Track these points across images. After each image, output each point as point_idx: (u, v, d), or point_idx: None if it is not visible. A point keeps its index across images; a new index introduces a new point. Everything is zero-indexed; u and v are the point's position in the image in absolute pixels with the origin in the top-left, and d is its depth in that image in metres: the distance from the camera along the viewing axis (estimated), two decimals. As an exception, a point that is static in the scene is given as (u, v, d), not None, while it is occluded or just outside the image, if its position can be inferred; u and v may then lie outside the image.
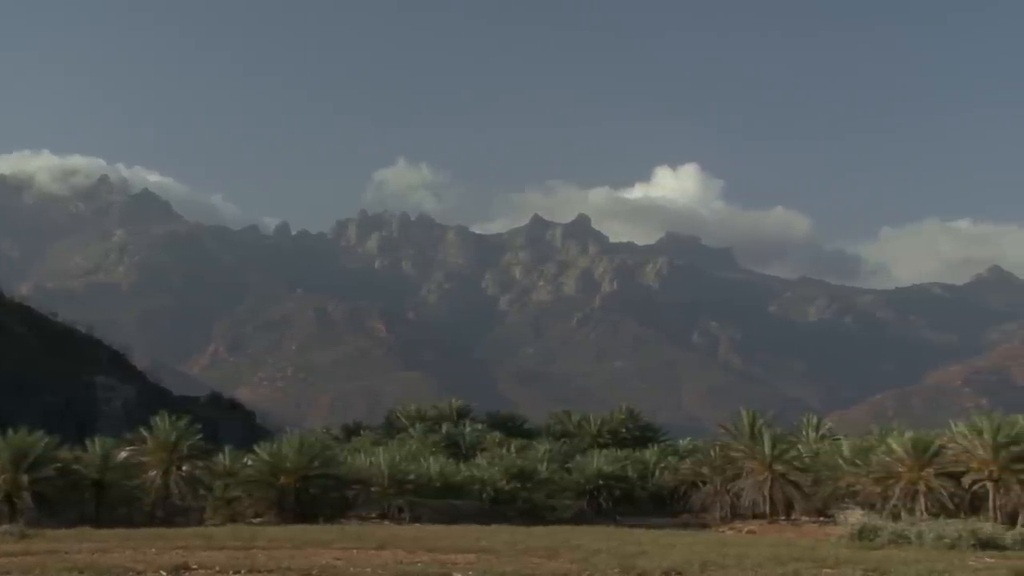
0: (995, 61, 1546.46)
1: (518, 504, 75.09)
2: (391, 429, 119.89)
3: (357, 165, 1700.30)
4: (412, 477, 72.47)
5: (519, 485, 76.75)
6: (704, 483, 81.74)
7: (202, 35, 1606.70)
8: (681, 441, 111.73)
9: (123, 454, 73.34)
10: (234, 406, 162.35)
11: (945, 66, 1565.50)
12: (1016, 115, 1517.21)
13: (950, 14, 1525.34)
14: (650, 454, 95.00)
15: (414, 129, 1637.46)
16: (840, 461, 74.64)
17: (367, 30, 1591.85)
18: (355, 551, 41.37)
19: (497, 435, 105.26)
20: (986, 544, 47.34)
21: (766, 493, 76.79)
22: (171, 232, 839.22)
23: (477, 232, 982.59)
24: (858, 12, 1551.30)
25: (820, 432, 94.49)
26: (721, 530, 66.92)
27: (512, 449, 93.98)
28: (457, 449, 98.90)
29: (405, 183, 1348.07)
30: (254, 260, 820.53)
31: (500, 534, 51.80)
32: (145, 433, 74.42)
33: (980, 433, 63.65)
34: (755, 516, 76.53)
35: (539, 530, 56.54)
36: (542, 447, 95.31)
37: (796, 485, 77.18)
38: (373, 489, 72.26)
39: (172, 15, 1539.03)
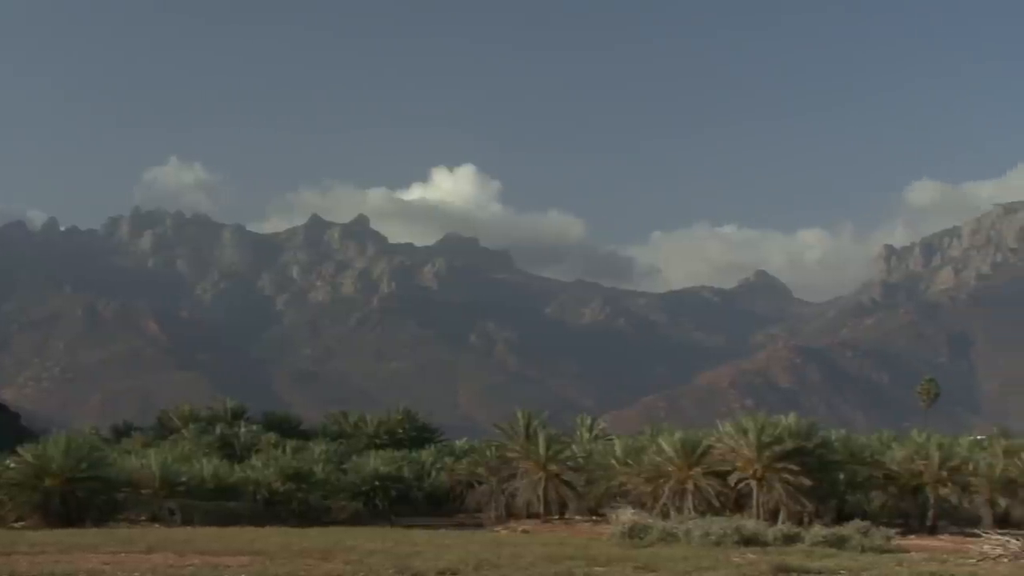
0: (761, 73, 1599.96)
1: (293, 505, 74.37)
2: (163, 430, 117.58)
3: (127, 163, 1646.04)
4: (184, 479, 71.12)
5: (294, 486, 76.03)
6: (480, 483, 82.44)
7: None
8: (457, 441, 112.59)
9: None
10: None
11: (712, 76, 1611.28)
12: (779, 126, 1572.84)
13: (720, 25, 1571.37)
14: (426, 455, 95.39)
15: (186, 128, 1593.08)
16: (613, 461, 76.12)
17: (133, 28, 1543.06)
18: (123, 555, 40.36)
19: (272, 436, 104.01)
20: (749, 541, 48.92)
21: (540, 493, 77.88)
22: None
23: (253, 231, 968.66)
24: (630, 20, 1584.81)
25: (594, 432, 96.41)
26: (496, 530, 67.45)
27: (287, 450, 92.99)
28: (231, 450, 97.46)
29: (178, 181, 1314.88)
30: (19, 257, 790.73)
31: (274, 536, 51.29)
32: (-101, 435, 71.22)
33: (745, 433, 65.72)
34: (530, 516, 77.48)
35: (314, 531, 56.17)
36: (318, 448, 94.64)
37: (570, 485, 78.49)
38: (143, 492, 70.54)
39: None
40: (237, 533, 54.07)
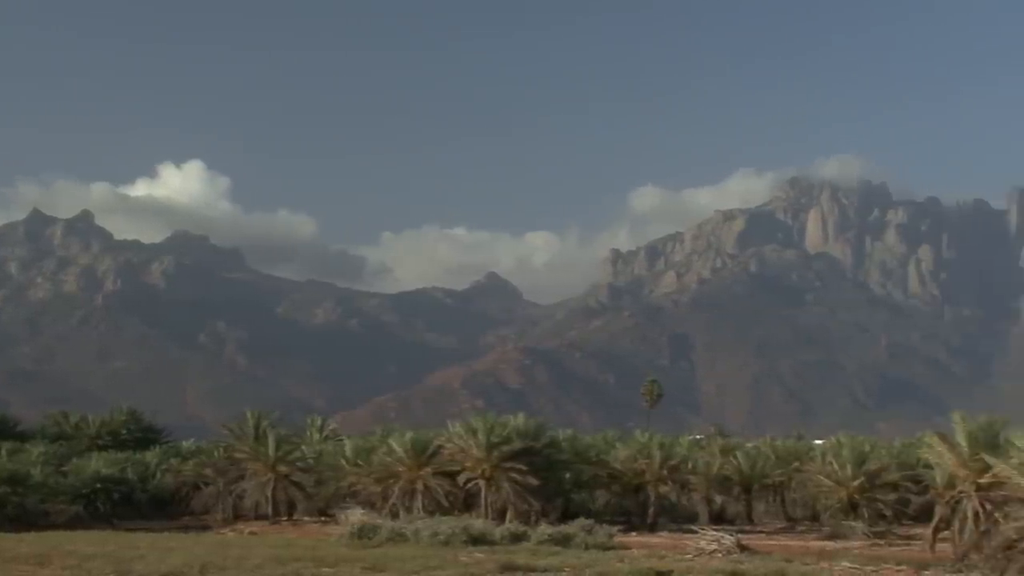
0: (490, 79, 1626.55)
1: (8, 510, 71.53)
2: None
3: None
4: None
5: (9, 489, 73.13)
6: (207, 485, 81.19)
7: None
8: (184, 442, 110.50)
9: None
10: None
11: (439, 82, 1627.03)
12: (506, 130, 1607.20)
13: (451, 33, 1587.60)
14: (151, 456, 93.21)
15: None
16: (343, 461, 76.02)
17: None
18: None
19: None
20: (477, 540, 49.53)
21: (269, 494, 77.12)
22: None
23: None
24: (363, 25, 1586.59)
25: (324, 433, 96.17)
26: (223, 532, 66.43)
27: (2, 452, 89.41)
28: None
29: None
30: None
31: (-14, 542, 49.26)
32: None
33: (475, 433, 66.42)
34: (258, 517, 76.65)
35: (30, 536, 54.19)
36: (36, 450, 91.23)
37: (299, 486, 78.00)
38: None
39: None
40: (-54, 540, 51.69)
